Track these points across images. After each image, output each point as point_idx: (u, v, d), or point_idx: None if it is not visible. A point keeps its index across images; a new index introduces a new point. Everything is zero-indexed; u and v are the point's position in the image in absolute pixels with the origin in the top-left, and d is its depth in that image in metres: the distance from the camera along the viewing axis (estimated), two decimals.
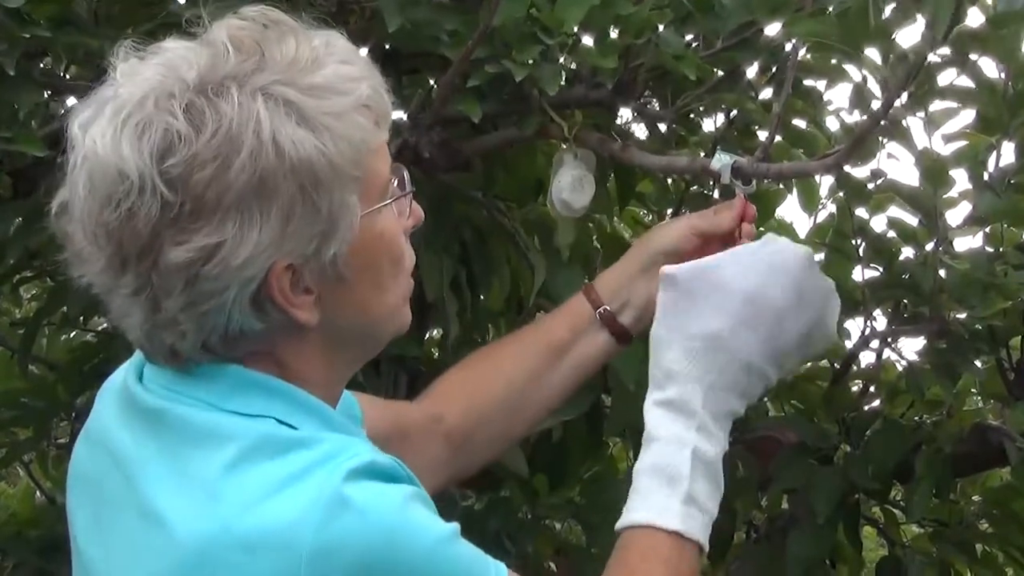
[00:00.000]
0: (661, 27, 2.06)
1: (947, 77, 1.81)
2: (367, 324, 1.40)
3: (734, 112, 2.31)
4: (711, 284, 1.59)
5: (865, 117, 1.88)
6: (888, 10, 1.63)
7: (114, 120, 1.27)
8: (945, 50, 1.67)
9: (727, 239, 1.75)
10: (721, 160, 1.76)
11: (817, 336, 1.65)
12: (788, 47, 2.04)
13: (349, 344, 1.40)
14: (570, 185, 1.99)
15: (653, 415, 1.58)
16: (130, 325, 1.33)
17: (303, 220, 1.27)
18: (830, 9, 1.83)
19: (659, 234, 1.80)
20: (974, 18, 1.72)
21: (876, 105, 1.64)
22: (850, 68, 1.85)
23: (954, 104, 2.06)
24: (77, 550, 1.40)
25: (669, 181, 2.54)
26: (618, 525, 1.54)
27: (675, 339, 1.59)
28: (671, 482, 1.53)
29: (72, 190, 1.30)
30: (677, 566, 1.50)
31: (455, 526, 1.29)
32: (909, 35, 1.64)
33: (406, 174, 1.42)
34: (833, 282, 1.66)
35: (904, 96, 1.62)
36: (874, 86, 1.63)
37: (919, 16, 1.59)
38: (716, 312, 1.58)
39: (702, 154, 2.32)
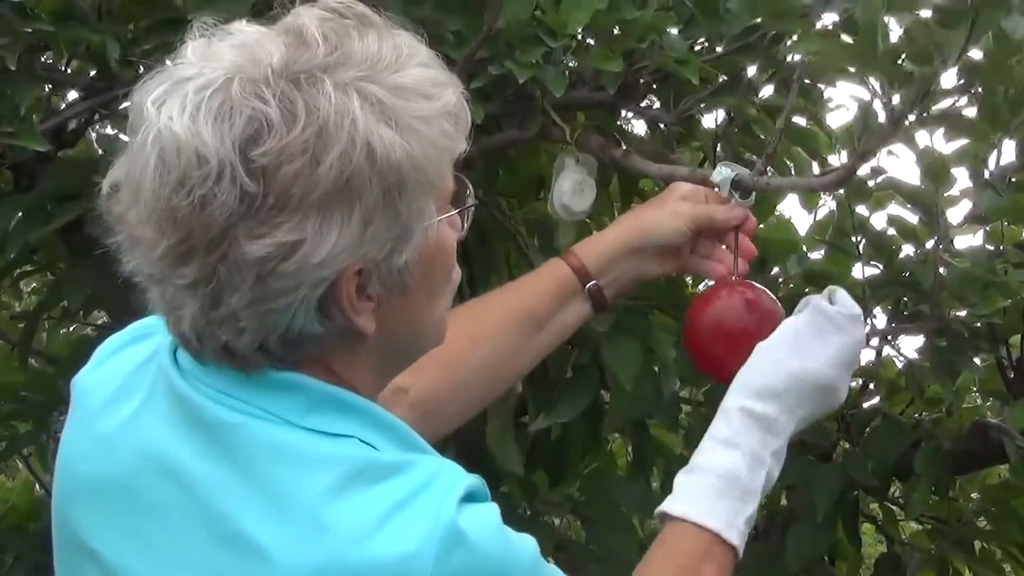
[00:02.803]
0: (665, 30, 2.06)
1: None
2: (414, 337, 1.37)
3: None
4: (839, 328, 1.63)
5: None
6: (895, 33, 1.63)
7: (195, 99, 1.20)
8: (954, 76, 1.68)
9: (707, 234, 1.79)
10: (721, 173, 1.76)
11: None
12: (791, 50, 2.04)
13: (395, 356, 1.37)
14: (571, 190, 1.99)
15: (739, 419, 1.58)
16: (179, 318, 1.25)
17: (382, 224, 1.23)
18: (834, 19, 1.83)
19: (660, 226, 1.79)
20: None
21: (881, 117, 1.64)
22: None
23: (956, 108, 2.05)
24: (83, 551, 1.34)
25: None
26: (676, 510, 1.54)
27: (796, 367, 1.60)
28: (743, 497, 1.54)
29: (136, 170, 1.23)
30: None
31: (535, 541, 1.28)
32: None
33: (470, 186, 1.39)
34: None
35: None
36: (879, 108, 1.63)
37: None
38: (837, 359, 1.62)
39: (702, 155, 2.32)
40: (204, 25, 1.28)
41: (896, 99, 1.52)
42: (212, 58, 1.24)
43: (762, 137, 2.22)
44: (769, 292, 1.75)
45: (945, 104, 1.77)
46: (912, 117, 1.53)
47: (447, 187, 1.32)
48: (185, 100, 1.21)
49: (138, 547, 1.30)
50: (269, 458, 1.25)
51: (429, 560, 1.18)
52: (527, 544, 1.27)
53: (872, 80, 1.53)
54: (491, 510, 1.25)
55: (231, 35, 1.27)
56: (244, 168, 1.18)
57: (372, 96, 1.23)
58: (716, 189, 1.77)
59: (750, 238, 1.77)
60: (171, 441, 1.30)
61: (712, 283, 1.80)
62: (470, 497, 1.24)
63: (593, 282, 1.79)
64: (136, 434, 1.33)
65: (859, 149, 1.63)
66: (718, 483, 1.54)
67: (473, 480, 1.27)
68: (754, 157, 2.13)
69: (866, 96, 1.60)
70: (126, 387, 1.37)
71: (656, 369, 2.30)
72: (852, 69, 1.59)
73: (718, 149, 2.26)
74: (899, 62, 1.48)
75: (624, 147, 2.06)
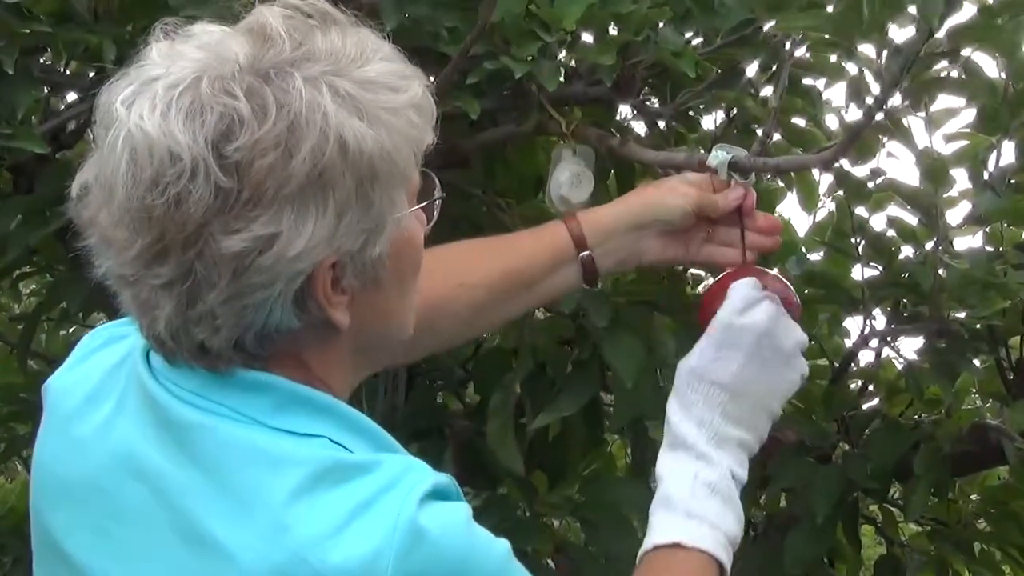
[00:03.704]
0: (660, 24, 2.06)
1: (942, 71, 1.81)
2: (385, 331, 1.37)
3: (734, 110, 2.31)
4: (746, 327, 1.62)
5: (862, 112, 1.88)
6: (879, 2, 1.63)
7: (165, 98, 1.21)
8: (941, 42, 1.68)
9: (724, 222, 1.78)
10: (718, 157, 1.76)
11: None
12: (787, 44, 2.05)
13: (367, 350, 1.37)
14: (569, 181, 1.99)
15: (662, 460, 1.59)
16: (154, 319, 1.25)
17: (356, 215, 1.24)
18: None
19: (663, 203, 1.79)
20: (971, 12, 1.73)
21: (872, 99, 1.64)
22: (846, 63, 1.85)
23: (954, 103, 2.06)
24: (56, 553, 1.35)
25: None
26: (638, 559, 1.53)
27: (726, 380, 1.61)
28: (668, 505, 1.54)
29: (107, 171, 1.23)
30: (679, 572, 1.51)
31: (508, 544, 1.28)
32: (905, 31, 1.64)
33: (436, 179, 1.40)
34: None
35: (901, 91, 1.62)
36: (870, 79, 1.63)
37: (911, 9, 1.59)
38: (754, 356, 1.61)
39: (700, 151, 2.32)
40: (166, 27, 1.29)
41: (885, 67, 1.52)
42: (178, 58, 1.25)
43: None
44: (781, 276, 1.73)
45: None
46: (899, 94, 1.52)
47: (415, 180, 1.33)
48: (155, 99, 1.22)
49: (109, 548, 1.31)
50: (236, 459, 1.25)
51: (389, 559, 1.19)
52: (497, 545, 1.27)
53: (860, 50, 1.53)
54: (458, 508, 1.25)
55: (194, 36, 1.28)
56: (218, 164, 1.19)
57: (341, 89, 1.24)
58: (714, 173, 1.76)
59: (750, 215, 1.77)
60: (142, 443, 1.30)
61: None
62: (437, 495, 1.24)
63: (587, 252, 1.79)
64: (109, 436, 1.33)
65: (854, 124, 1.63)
66: (652, 520, 1.54)
67: (441, 478, 1.27)
68: None
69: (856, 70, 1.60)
70: (100, 390, 1.38)
71: (659, 370, 2.29)
72: (839, 40, 1.59)
73: (714, 147, 2.26)
74: (885, 31, 1.49)
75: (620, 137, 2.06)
